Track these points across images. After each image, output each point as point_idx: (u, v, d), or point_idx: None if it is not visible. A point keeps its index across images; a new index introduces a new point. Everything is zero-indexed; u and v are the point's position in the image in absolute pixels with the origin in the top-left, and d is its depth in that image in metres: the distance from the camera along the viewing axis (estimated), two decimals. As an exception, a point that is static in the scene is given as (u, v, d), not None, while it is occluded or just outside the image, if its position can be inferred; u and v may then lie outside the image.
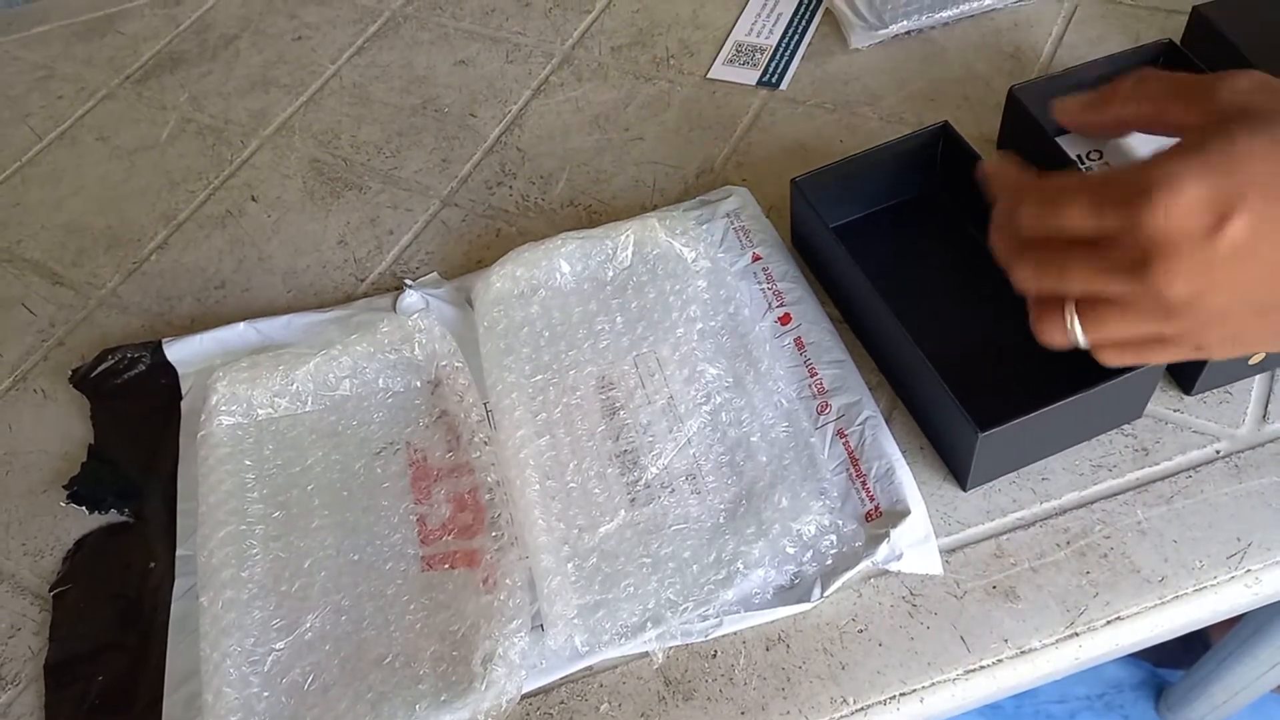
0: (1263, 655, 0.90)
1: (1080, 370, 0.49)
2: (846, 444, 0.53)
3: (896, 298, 0.53)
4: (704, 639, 0.49)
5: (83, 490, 0.58)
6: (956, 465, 0.52)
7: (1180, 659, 1.14)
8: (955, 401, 0.48)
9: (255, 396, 0.58)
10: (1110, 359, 0.39)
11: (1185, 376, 0.53)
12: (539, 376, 0.58)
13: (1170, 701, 1.13)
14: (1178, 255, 0.33)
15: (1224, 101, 0.35)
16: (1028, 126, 0.60)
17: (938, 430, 0.53)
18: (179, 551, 0.55)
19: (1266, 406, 0.53)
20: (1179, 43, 0.62)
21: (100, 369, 0.63)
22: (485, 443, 0.55)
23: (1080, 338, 0.37)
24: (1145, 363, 0.39)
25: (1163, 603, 0.48)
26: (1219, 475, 0.51)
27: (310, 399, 0.59)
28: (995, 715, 1.19)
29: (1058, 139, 0.59)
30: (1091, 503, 0.51)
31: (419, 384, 0.59)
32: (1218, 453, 0.52)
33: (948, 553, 0.50)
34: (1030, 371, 0.55)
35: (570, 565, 0.51)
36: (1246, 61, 0.59)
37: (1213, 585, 0.48)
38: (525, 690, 0.48)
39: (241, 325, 0.63)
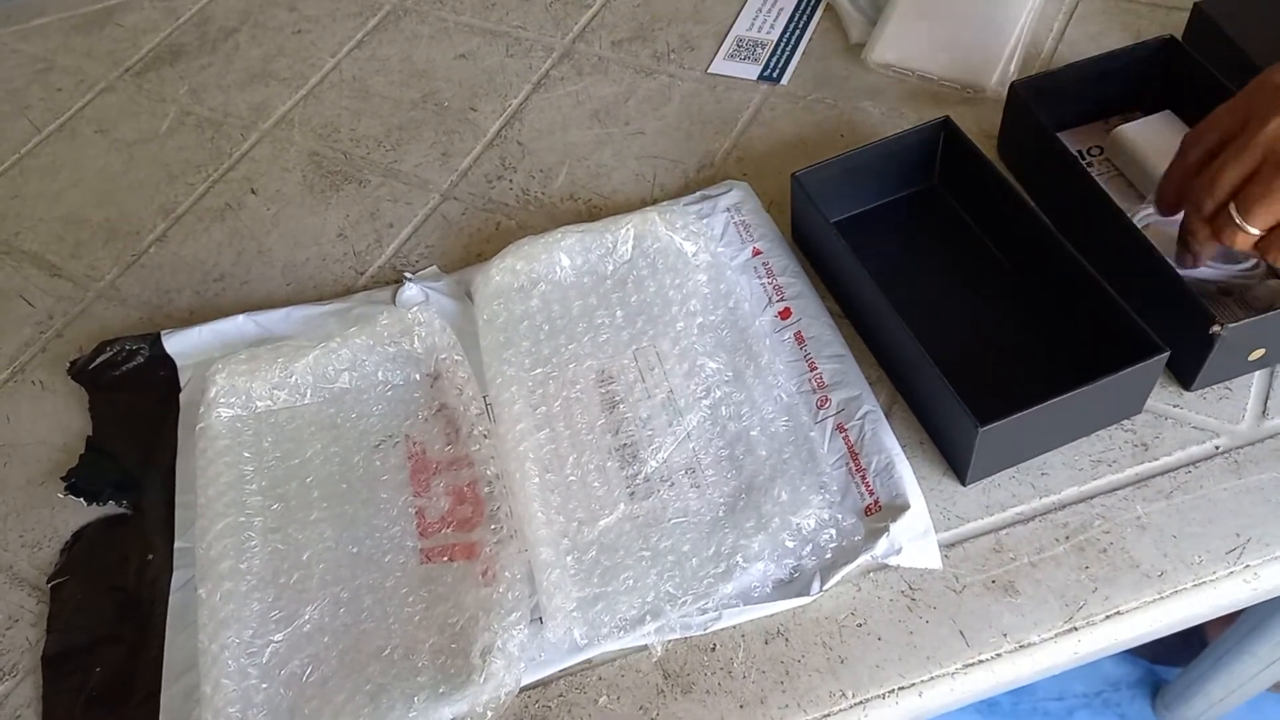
0: (1260, 653, 0.90)
1: (1080, 366, 0.49)
2: (846, 438, 0.53)
3: (897, 292, 0.53)
4: (703, 632, 0.49)
5: (81, 482, 0.58)
6: (956, 460, 0.52)
7: (1177, 656, 1.14)
8: (955, 396, 0.48)
9: (254, 389, 0.58)
10: (1272, 243, 0.47)
11: (1185, 372, 0.53)
12: (539, 370, 0.58)
13: (1167, 699, 1.13)
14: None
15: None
16: (1028, 121, 0.60)
17: (937, 425, 0.53)
18: (177, 543, 0.55)
19: (1266, 403, 0.53)
20: (1179, 38, 0.62)
21: (99, 361, 0.63)
22: (485, 436, 0.55)
23: (1248, 227, 0.47)
24: None
25: (1162, 598, 0.48)
26: (1218, 471, 0.51)
27: (309, 391, 0.59)
28: (993, 712, 1.19)
29: (1058, 134, 0.59)
30: (1091, 498, 0.51)
31: (418, 377, 0.59)
32: (1217, 448, 0.52)
33: (947, 547, 0.50)
34: (1030, 367, 0.55)
35: (569, 558, 0.51)
36: (1246, 57, 0.59)
37: (1212, 580, 0.48)
38: (524, 683, 0.48)
39: (240, 318, 0.63)
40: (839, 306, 0.60)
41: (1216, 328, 0.49)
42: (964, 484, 0.52)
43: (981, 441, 0.48)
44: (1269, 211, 0.46)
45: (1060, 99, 0.62)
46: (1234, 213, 0.47)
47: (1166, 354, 0.48)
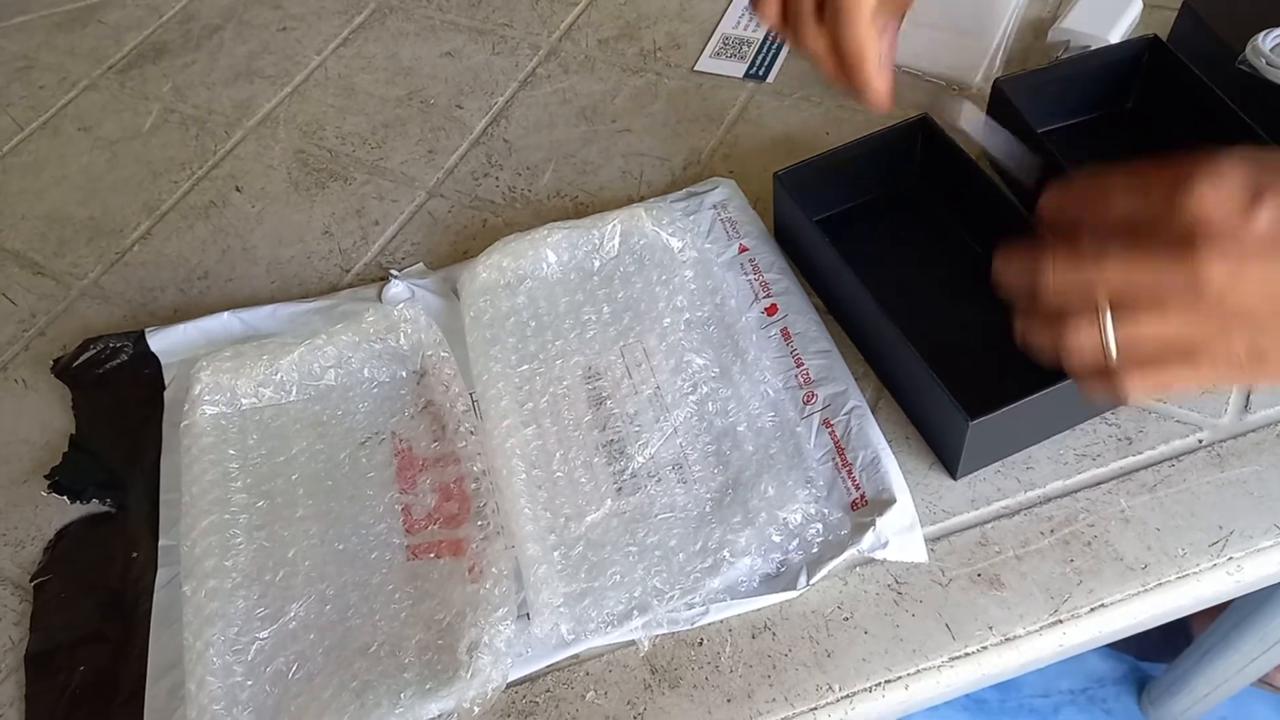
0: (1245, 648, 0.91)
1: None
2: (832, 433, 0.53)
3: (880, 289, 0.53)
4: (690, 627, 0.49)
5: (64, 480, 0.58)
6: (946, 455, 0.52)
7: (1163, 652, 1.15)
8: (945, 391, 0.48)
9: (239, 386, 0.58)
10: (1134, 378, 0.37)
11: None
12: (525, 366, 0.57)
13: (1153, 695, 1.14)
14: (1218, 234, 0.33)
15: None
16: (1012, 118, 0.60)
17: (926, 420, 0.53)
18: (162, 542, 0.54)
19: (1248, 397, 0.53)
20: (1166, 38, 0.63)
21: (82, 359, 0.63)
22: (471, 432, 0.55)
23: (1112, 340, 0.36)
24: (1171, 384, 0.37)
25: (1146, 590, 0.48)
26: (1201, 464, 0.51)
27: (295, 389, 0.58)
28: (980, 710, 1.20)
29: (1040, 131, 0.59)
30: (1075, 491, 0.51)
31: (404, 374, 0.59)
32: (1200, 442, 0.52)
33: (933, 541, 0.51)
34: (1014, 360, 0.55)
35: (556, 554, 0.50)
36: (1234, 54, 0.60)
37: (1195, 573, 0.48)
38: (511, 679, 0.48)
39: (225, 315, 0.63)
40: (823, 303, 0.60)
41: None
42: (955, 478, 0.52)
43: (972, 435, 0.48)
44: (1138, 346, 0.36)
45: (1044, 96, 0.62)
46: (1108, 327, 0.36)
47: None
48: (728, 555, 0.49)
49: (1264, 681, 1.12)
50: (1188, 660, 1.02)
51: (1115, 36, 0.68)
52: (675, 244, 0.61)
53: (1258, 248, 0.33)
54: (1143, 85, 0.63)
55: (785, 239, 0.63)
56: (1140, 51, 0.62)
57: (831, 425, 0.54)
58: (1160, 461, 0.52)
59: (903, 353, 0.51)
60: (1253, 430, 0.52)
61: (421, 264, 0.66)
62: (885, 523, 0.49)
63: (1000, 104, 0.62)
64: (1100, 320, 0.36)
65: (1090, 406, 0.53)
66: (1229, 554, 0.49)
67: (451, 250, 0.67)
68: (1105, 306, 0.35)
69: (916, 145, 0.62)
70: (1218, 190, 0.33)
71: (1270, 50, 0.58)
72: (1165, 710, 1.12)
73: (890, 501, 0.50)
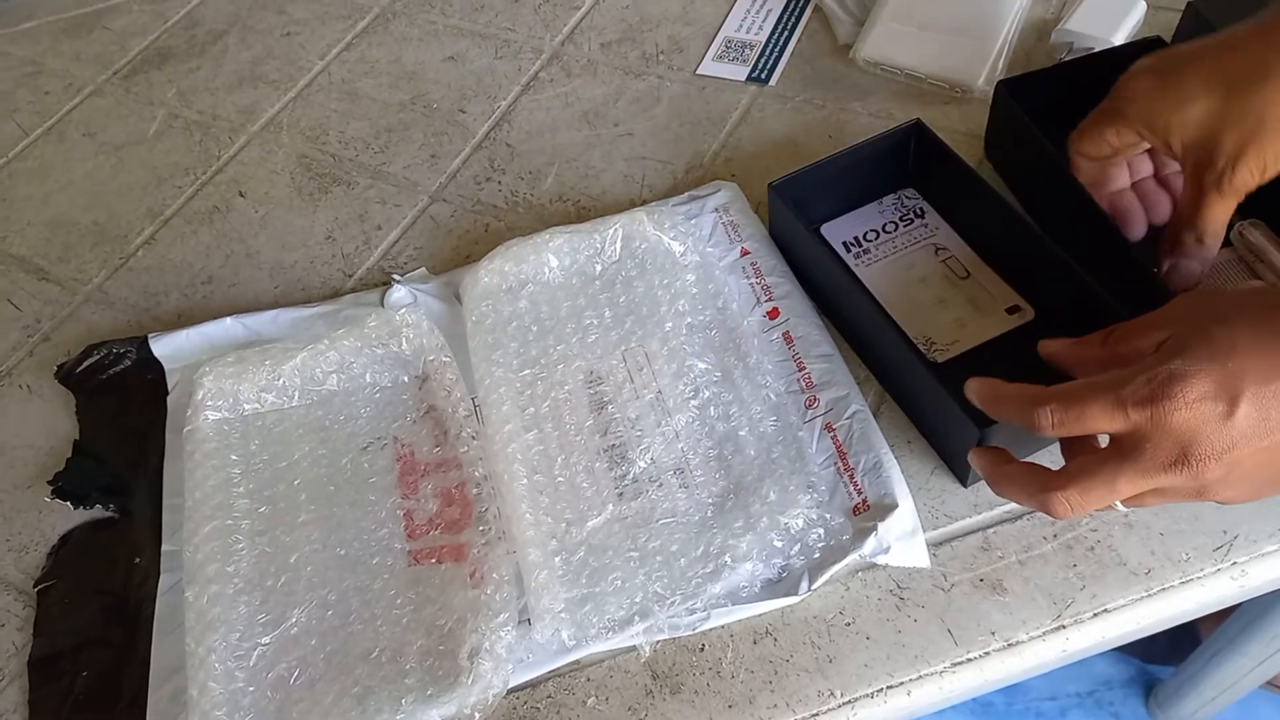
0: (1252, 651, 0.90)
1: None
2: (834, 438, 0.53)
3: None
4: (691, 632, 0.49)
5: (68, 485, 0.58)
6: (955, 463, 0.52)
7: (1170, 655, 1.14)
8: (953, 400, 0.48)
9: (242, 392, 0.58)
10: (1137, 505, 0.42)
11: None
12: (527, 371, 0.57)
13: (1160, 698, 1.13)
14: (1207, 442, 0.38)
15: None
16: (1014, 121, 0.60)
17: (934, 429, 0.53)
18: (165, 547, 0.54)
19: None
20: (1170, 39, 0.62)
21: (86, 364, 0.63)
22: (473, 437, 0.55)
23: (1122, 509, 0.42)
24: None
25: (1149, 595, 0.48)
26: (1205, 468, 0.51)
27: (297, 394, 0.58)
28: (986, 713, 1.19)
29: (1043, 133, 0.59)
30: (1079, 496, 0.51)
31: (406, 379, 0.59)
32: (1204, 446, 0.52)
33: (935, 546, 0.50)
34: (1016, 364, 0.55)
35: (558, 559, 0.50)
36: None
37: (1199, 578, 0.48)
38: (512, 684, 0.48)
39: (228, 320, 0.63)
40: (824, 310, 0.60)
41: None
42: (965, 485, 0.52)
43: (981, 443, 0.48)
44: (1144, 506, 0.42)
45: (1046, 99, 0.62)
46: (1119, 506, 0.41)
47: None
48: (729, 560, 0.49)
49: (1272, 684, 1.12)
50: (1195, 663, 1.01)
51: (1119, 38, 0.68)
52: (677, 248, 0.61)
53: (1243, 443, 0.37)
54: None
55: (783, 248, 0.62)
56: (1142, 52, 0.62)
57: (834, 430, 0.53)
58: (1164, 466, 0.51)
59: (910, 363, 0.51)
60: (1257, 434, 0.52)
61: (424, 269, 0.66)
62: (887, 528, 0.49)
63: (1002, 107, 0.62)
64: (1115, 502, 0.41)
65: None
66: (1233, 558, 0.48)
67: (454, 255, 0.67)
68: (1118, 503, 0.41)
69: (910, 150, 0.61)
70: (1197, 411, 0.38)
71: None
72: (1173, 713, 1.11)
73: (892, 506, 0.50)
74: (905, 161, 0.62)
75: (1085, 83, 0.62)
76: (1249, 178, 0.47)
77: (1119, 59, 0.62)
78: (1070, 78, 0.62)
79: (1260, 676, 0.95)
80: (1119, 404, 0.39)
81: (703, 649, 0.49)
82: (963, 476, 0.52)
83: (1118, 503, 0.41)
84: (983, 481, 0.52)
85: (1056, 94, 0.61)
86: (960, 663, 0.47)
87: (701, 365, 0.56)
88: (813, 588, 0.48)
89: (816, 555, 0.50)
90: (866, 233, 0.62)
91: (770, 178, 0.59)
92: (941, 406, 0.49)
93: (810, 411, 0.54)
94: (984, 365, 0.55)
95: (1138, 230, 0.55)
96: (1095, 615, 0.48)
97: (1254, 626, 0.88)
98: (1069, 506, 0.41)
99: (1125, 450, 0.39)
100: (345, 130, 0.77)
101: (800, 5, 0.80)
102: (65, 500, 0.58)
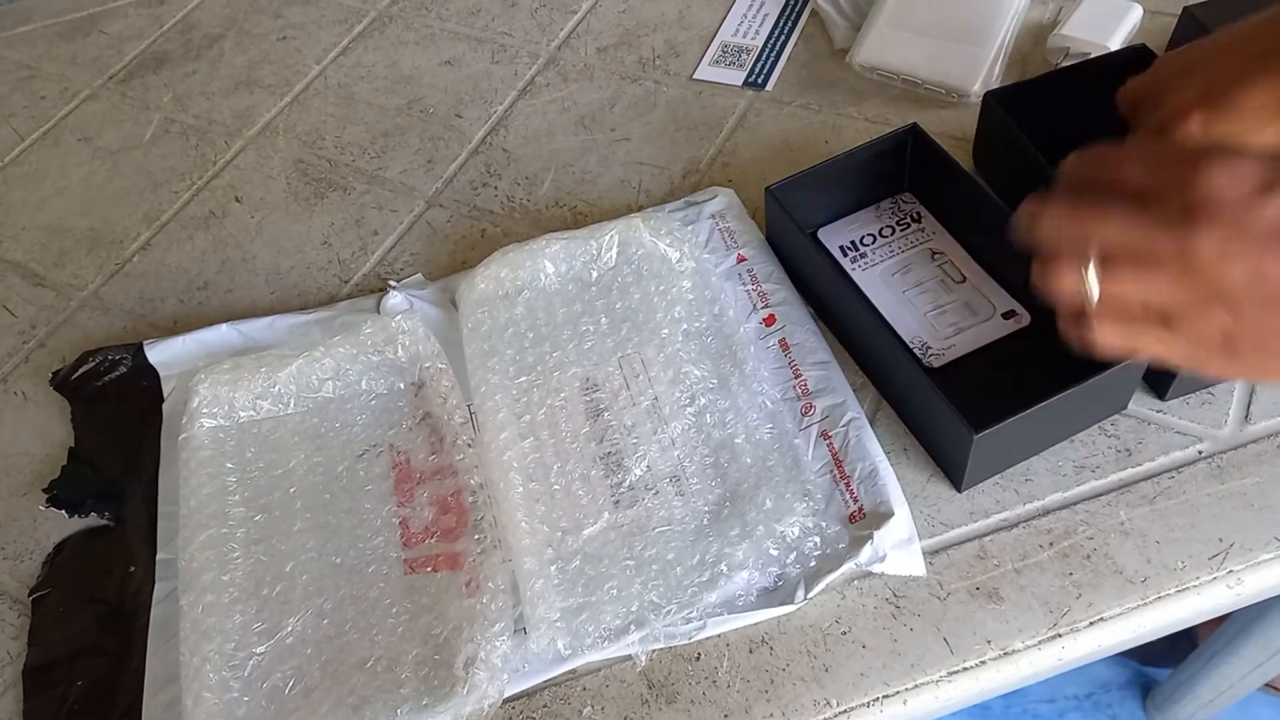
0: (1249, 653, 0.90)
1: (1060, 366, 0.49)
2: (830, 445, 0.53)
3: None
4: (687, 641, 0.49)
5: (63, 493, 0.58)
6: (950, 468, 0.52)
7: (1167, 658, 1.14)
8: (949, 404, 0.48)
9: (237, 399, 0.58)
10: (1108, 329, 0.38)
11: (1159, 383, 0.53)
12: (523, 378, 0.57)
13: (1158, 700, 1.13)
14: (1220, 214, 0.33)
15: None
16: (1002, 129, 0.60)
17: (928, 434, 0.53)
18: (160, 555, 0.54)
19: (1248, 408, 0.53)
20: (1166, 44, 0.62)
21: (81, 371, 0.63)
22: (469, 445, 0.55)
23: (1094, 289, 0.37)
24: (1138, 347, 0.38)
25: (1145, 603, 0.48)
26: (1201, 476, 0.51)
27: (293, 401, 0.58)
28: (984, 716, 1.19)
29: (1031, 142, 0.59)
30: (1074, 504, 0.51)
31: (402, 386, 0.59)
32: (1200, 453, 0.52)
33: (931, 554, 0.50)
34: (1010, 369, 0.55)
35: (553, 568, 0.50)
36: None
37: (1195, 586, 0.48)
38: (507, 694, 0.48)
39: (224, 327, 0.63)
40: (819, 315, 0.60)
41: None
42: (960, 490, 0.52)
43: (977, 448, 0.48)
44: (1120, 293, 0.36)
45: (1034, 107, 0.62)
46: (1091, 273, 0.37)
47: None
48: (725, 569, 0.49)
49: (1270, 686, 1.12)
50: (1193, 665, 1.01)
51: (1115, 43, 0.68)
52: (673, 254, 0.61)
53: (1256, 235, 0.33)
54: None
55: (779, 252, 0.62)
56: (1130, 60, 0.62)
57: (830, 437, 0.53)
58: (1160, 473, 0.51)
59: (905, 366, 0.51)
60: (1253, 441, 0.52)
61: (420, 274, 0.66)
62: (883, 536, 0.49)
63: (990, 116, 0.62)
64: (1085, 267, 0.36)
65: (1094, 413, 0.52)
66: (1229, 567, 0.48)
67: (450, 260, 0.67)
68: (1093, 255, 0.36)
69: (906, 154, 0.61)
70: (1231, 173, 0.33)
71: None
72: (1170, 716, 1.11)
73: (888, 514, 0.50)
74: (902, 166, 0.62)
75: (1073, 92, 0.63)
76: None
77: (1107, 66, 0.62)
78: (1057, 86, 0.62)
79: (1258, 679, 0.95)
80: (1158, 158, 0.35)
81: (699, 658, 0.49)
82: (958, 482, 0.52)
83: (1091, 280, 0.36)
84: (977, 489, 0.52)
85: (1044, 103, 0.61)
86: (956, 671, 0.47)
87: (697, 372, 0.56)
88: (809, 596, 0.48)
89: (812, 564, 0.50)
90: (863, 237, 0.62)
91: (767, 183, 0.59)
92: (937, 411, 0.49)
93: (806, 419, 0.54)
94: (980, 370, 0.55)
95: None
96: (1091, 624, 0.48)
97: (1251, 629, 0.88)
98: (1053, 217, 0.37)
99: (1141, 190, 0.35)
100: (341, 135, 0.77)
101: (797, 10, 0.79)
102: (60, 508, 0.57)
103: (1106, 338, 0.38)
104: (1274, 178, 0.33)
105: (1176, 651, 1.09)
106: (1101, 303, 0.37)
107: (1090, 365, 0.47)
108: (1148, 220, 0.35)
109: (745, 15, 0.80)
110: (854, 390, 0.55)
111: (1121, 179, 0.36)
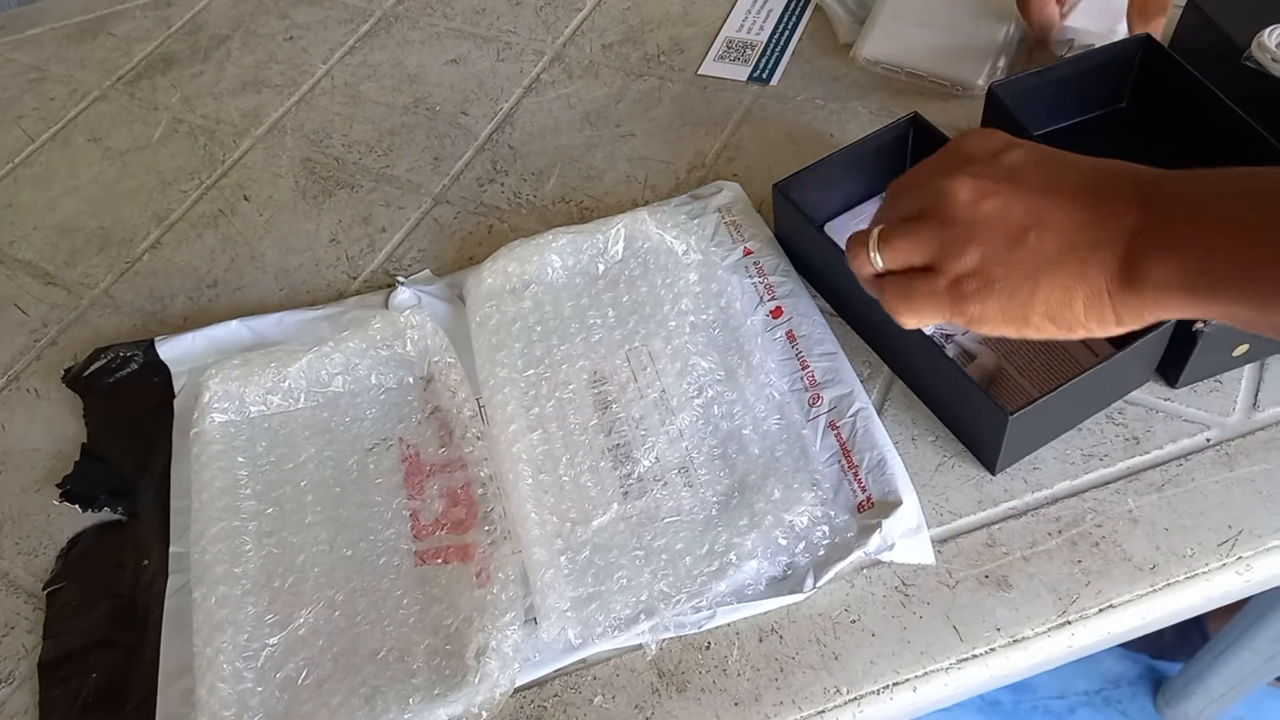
0: (1260, 647, 0.90)
1: (1080, 349, 0.49)
2: (838, 435, 0.53)
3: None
4: (697, 630, 0.49)
5: (76, 489, 0.58)
6: (983, 452, 0.52)
7: (1178, 652, 1.14)
8: (981, 389, 0.48)
9: (248, 394, 0.58)
10: (890, 290, 0.44)
11: (1170, 370, 0.53)
12: (531, 371, 0.58)
13: (1168, 695, 1.13)
14: (972, 165, 0.43)
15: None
16: (1006, 122, 0.60)
17: (957, 417, 0.53)
18: (172, 549, 0.55)
19: (1256, 395, 0.53)
20: (1171, 35, 0.62)
21: (93, 368, 0.63)
22: (478, 438, 0.55)
23: (877, 257, 0.44)
24: (914, 302, 0.43)
25: (1154, 590, 0.48)
26: (1210, 463, 0.51)
27: (303, 396, 0.59)
28: (994, 711, 1.19)
29: (1035, 134, 0.59)
30: (1083, 491, 0.51)
31: (411, 380, 0.59)
32: (1208, 441, 0.52)
33: (940, 542, 0.50)
34: (1028, 348, 0.55)
35: (563, 558, 0.51)
36: (1239, 51, 0.59)
37: (1204, 573, 0.48)
38: (519, 683, 0.48)
39: (234, 323, 0.63)
40: (831, 306, 0.60)
41: (1200, 324, 0.49)
42: (994, 474, 0.52)
43: (1011, 428, 0.48)
44: (894, 251, 0.44)
45: (1039, 99, 0.62)
46: (872, 242, 0.45)
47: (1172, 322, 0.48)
48: (734, 558, 0.49)
49: (1280, 681, 1.11)
50: (1203, 659, 1.01)
51: (1121, 33, 0.68)
52: (679, 247, 0.61)
53: (1001, 178, 0.42)
54: (1137, 85, 0.63)
55: (789, 247, 0.62)
56: (1134, 51, 0.62)
57: (837, 427, 0.54)
58: (1168, 461, 0.51)
59: (931, 356, 0.51)
60: (1261, 428, 0.52)
61: (428, 270, 0.66)
62: (892, 525, 0.49)
63: (995, 109, 0.62)
64: (869, 242, 0.45)
65: (1115, 389, 0.53)
66: (1238, 553, 0.48)
67: (458, 256, 0.68)
68: (875, 235, 0.45)
69: (909, 145, 0.62)
70: (982, 138, 0.44)
71: (1275, 46, 0.58)
72: (1180, 711, 1.11)
73: (896, 503, 0.50)
74: (905, 158, 0.62)
75: (1078, 83, 0.63)
76: None
77: (1108, 58, 0.62)
78: (1060, 78, 0.62)
79: (1268, 674, 0.94)
80: (940, 158, 0.45)
81: (708, 647, 0.49)
82: (990, 464, 0.52)
83: (875, 243, 0.44)
84: (984, 477, 0.52)
85: (1047, 95, 0.61)
86: (965, 659, 0.47)
87: (705, 364, 0.57)
88: (818, 585, 0.49)
89: (821, 552, 0.50)
90: (871, 229, 0.62)
91: (772, 177, 0.59)
92: (970, 395, 0.49)
93: (814, 409, 0.54)
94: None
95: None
96: (1100, 611, 0.48)
97: (1262, 621, 0.88)
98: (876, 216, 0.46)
99: (922, 182, 0.44)
100: (349, 133, 0.78)
101: (801, 5, 0.80)
102: (73, 503, 0.58)
103: (891, 297, 0.44)
104: (1014, 142, 0.43)
105: (1188, 645, 1.09)
106: (885, 265, 0.44)
107: (1114, 342, 0.48)
108: (921, 189, 0.44)
109: (750, 10, 0.80)
110: (861, 381, 0.55)
111: (907, 182, 0.45)
